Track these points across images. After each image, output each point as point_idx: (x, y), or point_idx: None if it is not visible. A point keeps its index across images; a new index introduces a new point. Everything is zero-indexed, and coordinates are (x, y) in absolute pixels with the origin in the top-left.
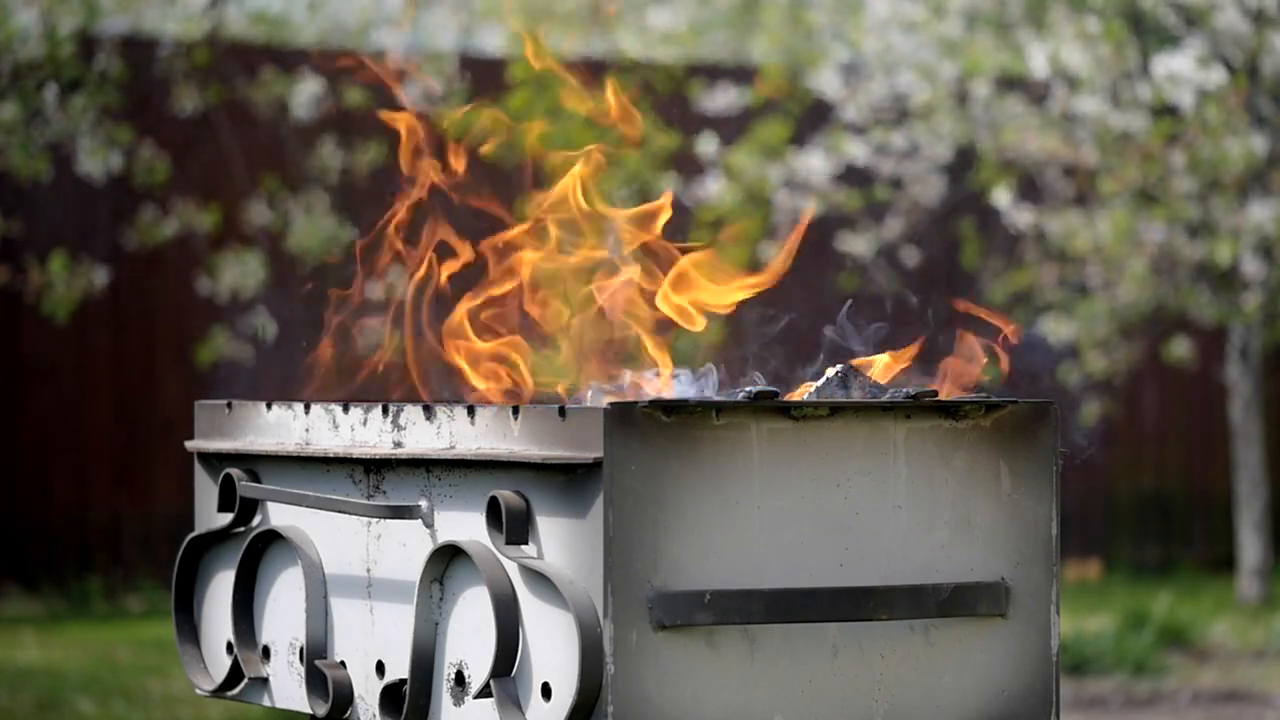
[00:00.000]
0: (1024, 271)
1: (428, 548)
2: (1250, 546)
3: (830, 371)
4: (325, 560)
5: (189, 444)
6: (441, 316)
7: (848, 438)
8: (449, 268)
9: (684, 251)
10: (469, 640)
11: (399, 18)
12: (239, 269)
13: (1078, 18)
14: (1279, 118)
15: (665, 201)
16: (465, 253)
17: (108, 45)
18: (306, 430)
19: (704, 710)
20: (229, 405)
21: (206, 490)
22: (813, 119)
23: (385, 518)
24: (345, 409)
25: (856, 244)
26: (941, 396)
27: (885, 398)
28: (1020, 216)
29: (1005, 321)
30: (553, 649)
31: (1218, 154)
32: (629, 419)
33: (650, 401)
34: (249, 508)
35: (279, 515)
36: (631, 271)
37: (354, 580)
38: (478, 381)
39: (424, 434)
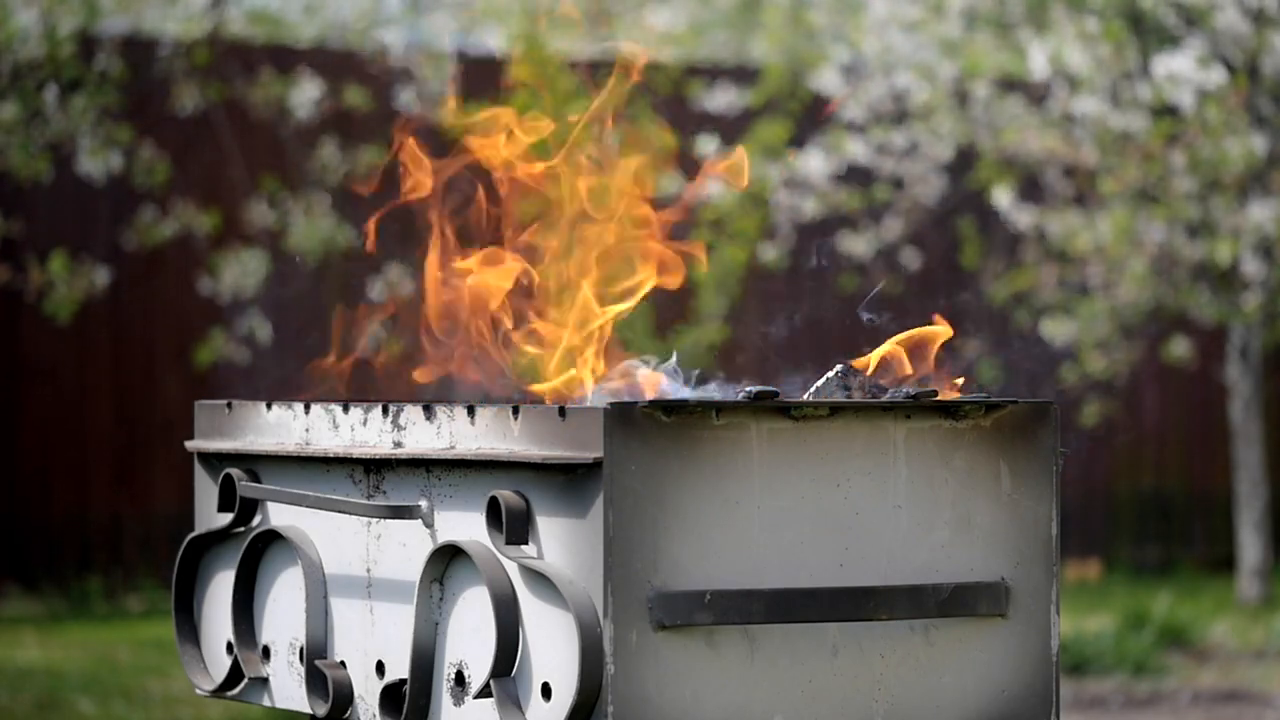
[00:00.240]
0: (1024, 272)
1: (428, 548)
2: (1250, 546)
3: (830, 372)
4: (325, 560)
5: (189, 444)
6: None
7: (848, 438)
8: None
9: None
10: (469, 640)
11: (399, 18)
12: (239, 268)
13: (1078, 18)
14: (1279, 118)
15: None
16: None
17: (108, 45)
18: (306, 430)
19: (704, 710)
20: (229, 405)
21: (206, 490)
22: (813, 119)
23: (385, 518)
24: (345, 409)
25: (856, 244)
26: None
27: (885, 398)
28: (1020, 216)
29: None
30: (553, 649)
31: (1218, 154)
32: (629, 419)
33: (650, 401)
34: (249, 508)
35: (279, 515)
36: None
37: (354, 580)
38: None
39: (424, 434)
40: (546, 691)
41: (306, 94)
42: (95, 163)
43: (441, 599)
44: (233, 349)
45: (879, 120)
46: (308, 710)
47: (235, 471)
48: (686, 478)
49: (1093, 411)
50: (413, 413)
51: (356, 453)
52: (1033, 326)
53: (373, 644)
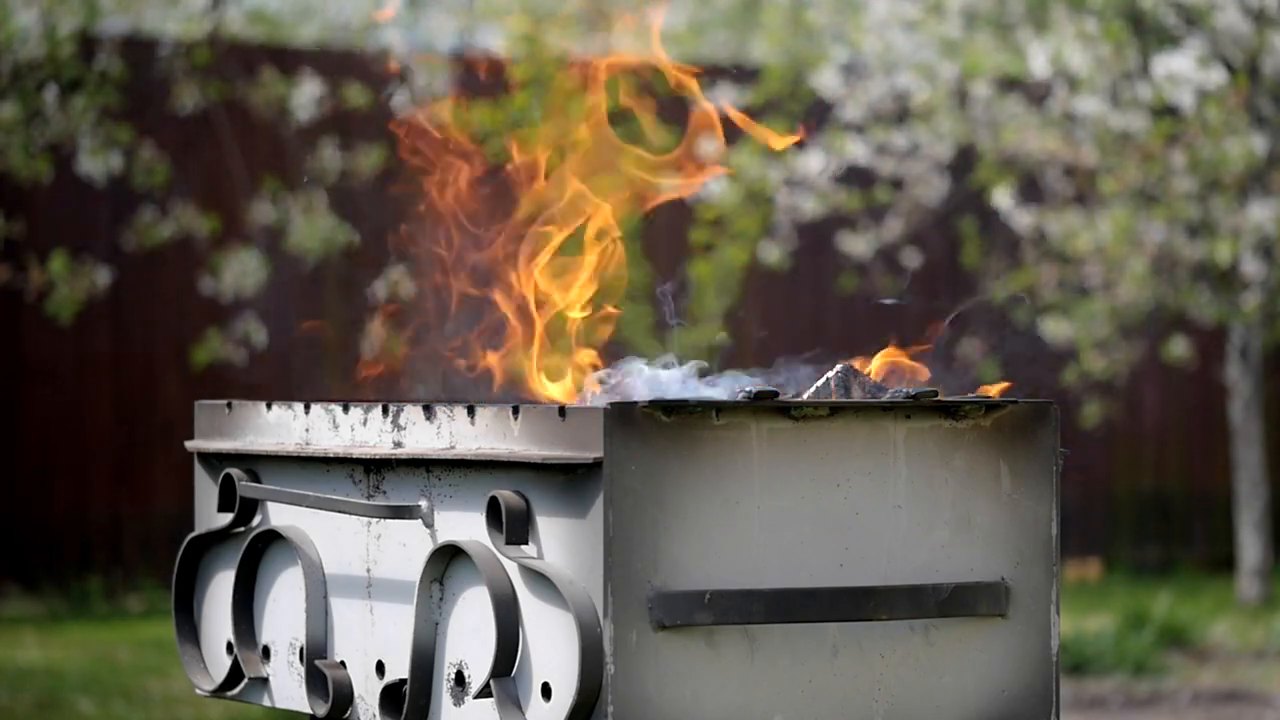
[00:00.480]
0: (1024, 272)
1: (428, 548)
2: (1250, 546)
3: (830, 372)
4: (325, 560)
5: (189, 444)
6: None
7: (848, 438)
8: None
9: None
10: (469, 640)
11: (400, 17)
12: (239, 268)
13: (1078, 18)
14: (1279, 118)
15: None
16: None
17: (108, 45)
18: (306, 430)
19: (704, 710)
20: (229, 405)
21: (206, 490)
22: (813, 119)
23: (385, 518)
24: (345, 409)
25: (856, 244)
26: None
27: (885, 398)
28: (1020, 217)
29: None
30: (553, 649)
31: (1218, 154)
32: (629, 419)
33: (650, 401)
34: (249, 508)
35: (279, 515)
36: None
37: (354, 580)
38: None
39: (424, 434)
40: (546, 691)
41: (307, 94)
42: (95, 163)
43: (441, 599)
44: (230, 349)
45: (879, 120)
46: (308, 710)
47: (235, 471)
48: (686, 478)
49: (1093, 411)
50: (413, 413)
51: (356, 453)
52: (1032, 326)
53: (373, 644)
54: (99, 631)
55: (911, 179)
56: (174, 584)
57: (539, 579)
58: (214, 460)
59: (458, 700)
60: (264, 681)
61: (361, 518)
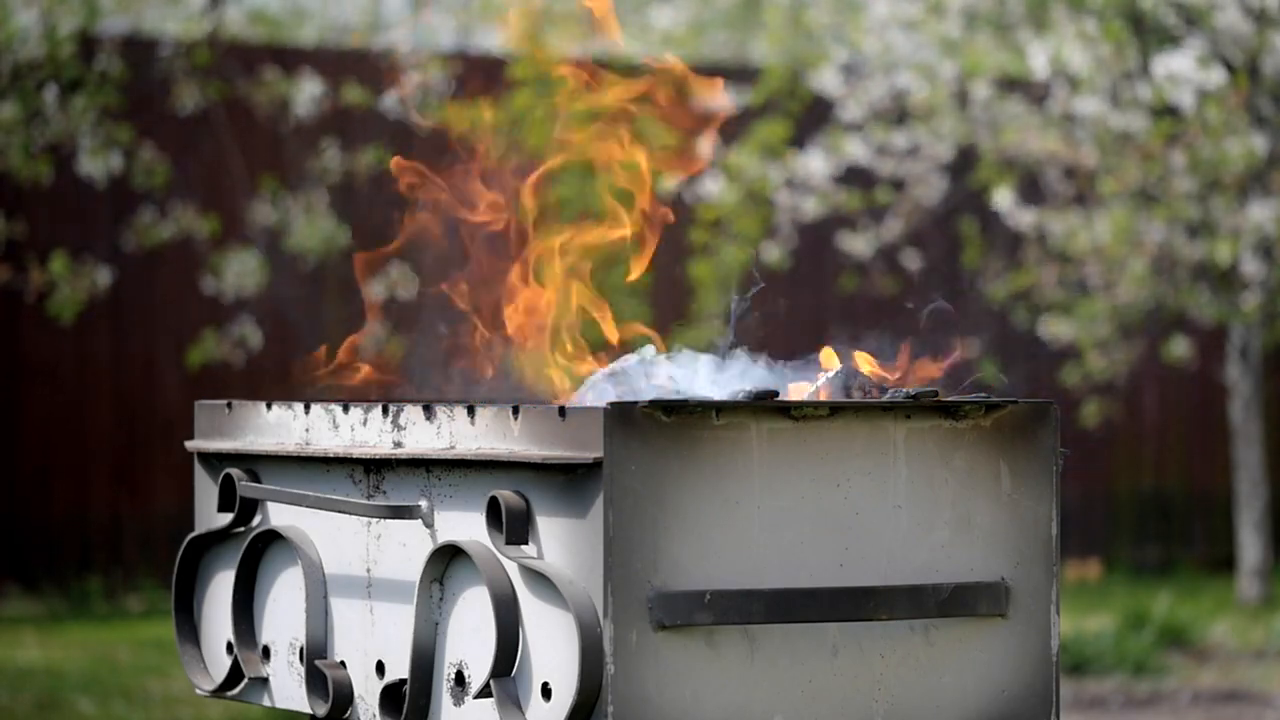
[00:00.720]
0: (1024, 272)
1: (428, 548)
2: (1250, 546)
3: (830, 371)
4: (325, 560)
5: (189, 444)
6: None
7: (848, 438)
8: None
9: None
10: (469, 640)
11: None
12: (240, 267)
13: (1078, 18)
14: (1279, 118)
15: None
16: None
17: (108, 45)
18: (306, 430)
19: (704, 710)
20: (229, 405)
21: (206, 490)
22: (813, 119)
23: (385, 518)
24: (345, 409)
25: (856, 244)
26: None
27: (885, 398)
28: (1021, 217)
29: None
30: (553, 649)
31: (1218, 154)
32: (629, 419)
33: (650, 401)
34: (249, 508)
35: (279, 515)
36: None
37: (354, 580)
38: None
39: (424, 434)
40: (546, 691)
41: (307, 93)
42: (95, 163)
43: (441, 599)
44: (227, 350)
45: (879, 120)
46: (308, 710)
47: (235, 471)
48: (686, 478)
49: (1093, 411)
50: (413, 413)
51: (356, 453)
52: (1033, 326)
53: (373, 644)
54: (99, 631)
55: (911, 179)
56: (174, 584)
57: (539, 579)
58: (214, 460)
59: (458, 700)
60: (264, 681)
61: (361, 518)
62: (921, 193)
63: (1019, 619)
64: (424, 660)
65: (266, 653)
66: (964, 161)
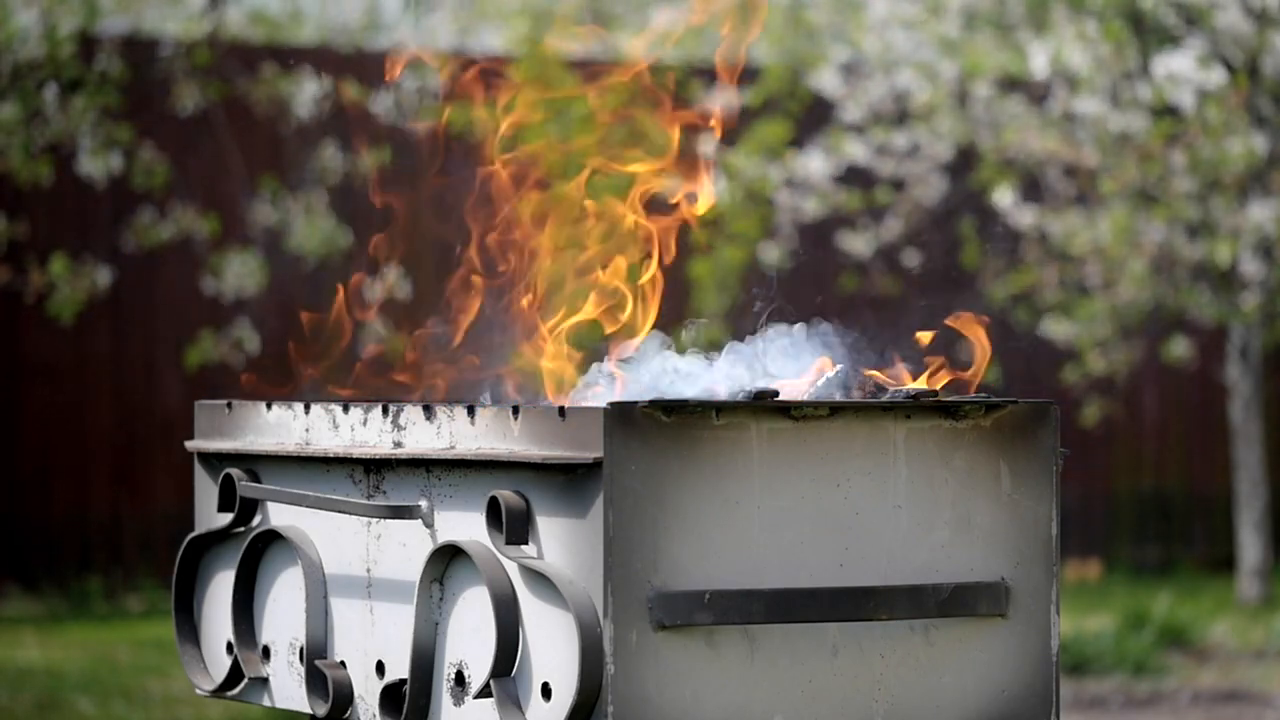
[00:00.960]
0: (1025, 272)
1: (428, 548)
2: (1250, 546)
3: (830, 371)
4: (325, 560)
5: (189, 444)
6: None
7: (848, 438)
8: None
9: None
10: (469, 640)
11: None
12: (240, 268)
13: (1078, 18)
14: (1279, 118)
15: None
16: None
17: (108, 45)
18: (306, 430)
19: (704, 710)
20: (229, 405)
21: (206, 490)
22: (813, 119)
23: (385, 518)
24: (345, 409)
25: (856, 244)
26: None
27: (885, 398)
28: (1021, 217)
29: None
30: (553, 649)
31: (1218, 154)
32: (629, 419)
33: (650, 401)
34: (249, 508)
35: (279, 515)
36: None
37: (354, 580)
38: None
39: (424, 434)
40: (546, 691)
41: (307, 92)
42: (95, 163)
43: (441, 599)
44: (225, 350)
45: (879, 120)
46: (308, 710)
47: (235, 471)
48: (686, 478)
49: (1093, 411)
50: (413, 413)
51: (356, 453)
52: (1033, 326)
53: (373, 644)
54: (99, 631)
55: (911, 179)
56: (174, 584)
57: (539, 579)
58: (214, 460)
59: (458, 700)
60: (264, 681)
61: (361, 518)
62: (921, 193)
63: (1019, 619)
64: (424, 660)
65: (266, 653)
66: (964, 161)
